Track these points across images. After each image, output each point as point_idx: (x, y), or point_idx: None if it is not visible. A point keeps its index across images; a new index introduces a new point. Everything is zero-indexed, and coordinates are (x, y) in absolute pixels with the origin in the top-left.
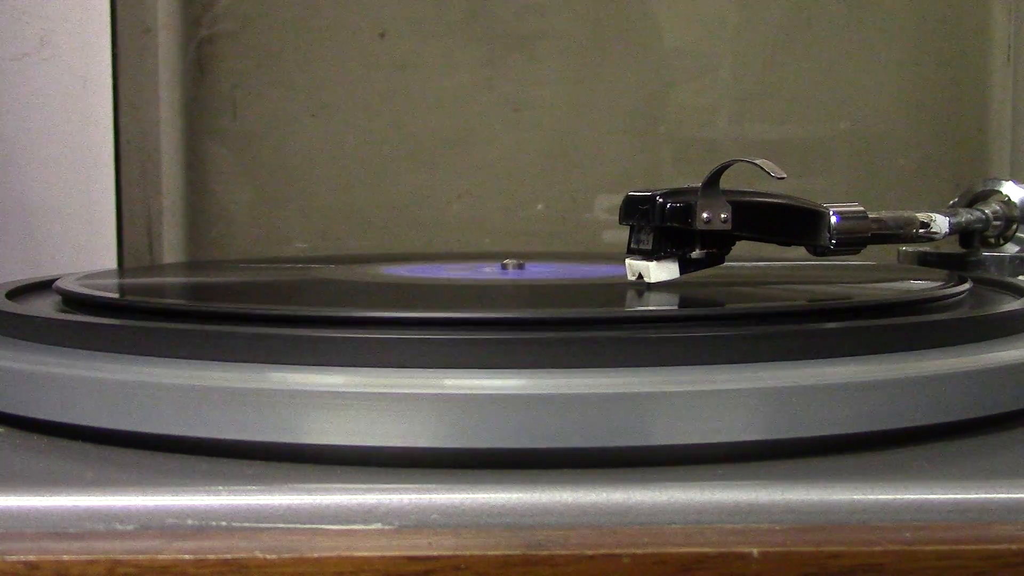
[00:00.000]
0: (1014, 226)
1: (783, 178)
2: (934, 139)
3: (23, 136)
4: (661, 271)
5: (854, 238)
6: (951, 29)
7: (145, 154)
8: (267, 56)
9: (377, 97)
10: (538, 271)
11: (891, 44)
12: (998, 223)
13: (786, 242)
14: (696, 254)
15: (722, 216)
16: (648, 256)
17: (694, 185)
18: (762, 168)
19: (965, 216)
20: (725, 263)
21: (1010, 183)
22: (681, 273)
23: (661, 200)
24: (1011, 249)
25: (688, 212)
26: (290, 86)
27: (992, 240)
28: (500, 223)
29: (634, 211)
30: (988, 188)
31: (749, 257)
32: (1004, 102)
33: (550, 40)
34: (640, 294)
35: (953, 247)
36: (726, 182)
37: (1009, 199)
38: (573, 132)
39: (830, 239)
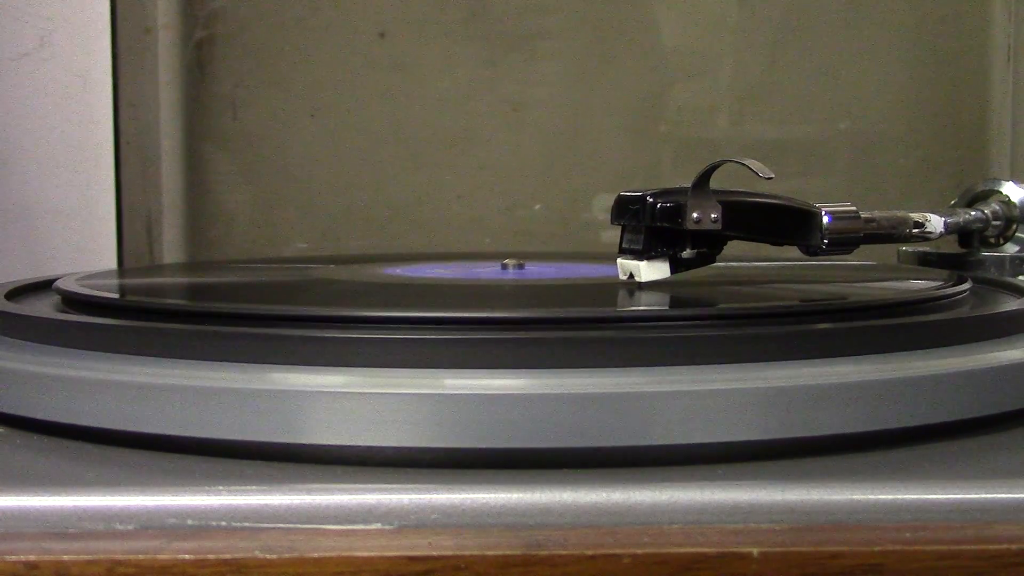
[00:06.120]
0: (1014, 226)
1: (771, 178)
2: (934, 139)
3: (23, 136)
4: (652, 271)
5: (846, 238)
6: (951, 29)
7: (145, 154)
8: (267, 56)
9: (377, 97)
10: (538, 271)
11: (891, 44)
12: (998, 223)
13: (778, 242)
14: (687, 254)
15: (712, 216)
16: (639, 256)
17: (685, 185)
18: (750, 168)
19: (963, 216)
20: (725, 263)
21: (1010, 183)
22: (672, 273)
23: (651, 200)
24: (1011, 249)
25: (678, 212)
26: (290, 86)
27: (992, 240)
28: (500, 223)
29: (625, 211)
30: (988, 188)
31: (749, 257)
32: (1004, 102)
33: (550, 40)
34: (638, 294)
35: (953, 247)
36: (727, 182)
37: (1009, 199)
38: (573, 132)
39: (822, 239)
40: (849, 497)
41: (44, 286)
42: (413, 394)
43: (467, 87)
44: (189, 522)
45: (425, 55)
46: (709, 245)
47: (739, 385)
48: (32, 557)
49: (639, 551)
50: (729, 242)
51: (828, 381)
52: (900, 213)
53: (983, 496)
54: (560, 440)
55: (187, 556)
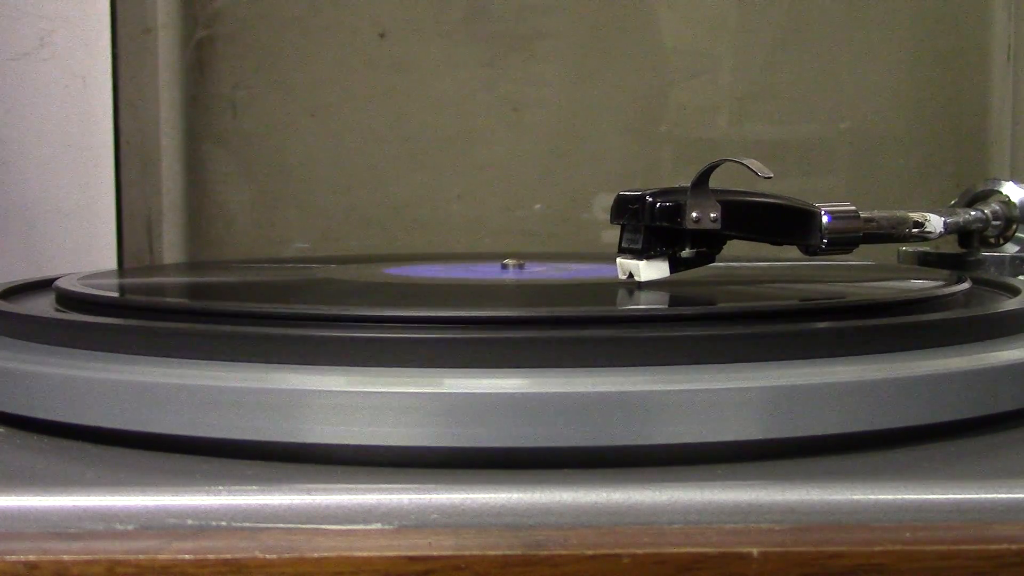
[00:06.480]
0: (1014, 226)
1: (770, 178)
2: (934, 139)
3: (23, 136)
4: (651, 270)
5: (846, 238)
6: (951, 28)
7: (145, 154)
8: (267, 56)
9: (377, 97)
10: (538, 271)
11: (891, 44)
12: (998, 223)
13: (777, 241)
14: (686, 253)
15: (711, 216)
16: (638, 255)
17: (684, 185)
18: (749, 168)
19: (963, 216)
20: (725, 263)
21: (1010, 183)
22: (671, 272)
23: (651, 200)
24: (1011, 249)
25: (678, 211)
26: (290, 86)
27: (992, 240)
28: (500, 223)
29: (625, 211)
30: (988, 188)
31: (749, 256)
32: (1004, 102)
33: (550, 40)
34: (638, 294)
35: (953, 247)
36: (727, 182)
37: (1009, 199)
38: (573, 132)
39: (821, 239)
40: (849, 497)
41: (43, 286)
42: (413, 394)
43: (467, 87)
44: (189, 522)
45: (425, 55)
46: (708, 245)
47: (739, 385)
48: (32, 557)
49: (639, 551)
50: (729, 242)
51: (828, 381)
52: (900, 213)
53: (983, 496)
54: (560, 440)
55: (187, 556)
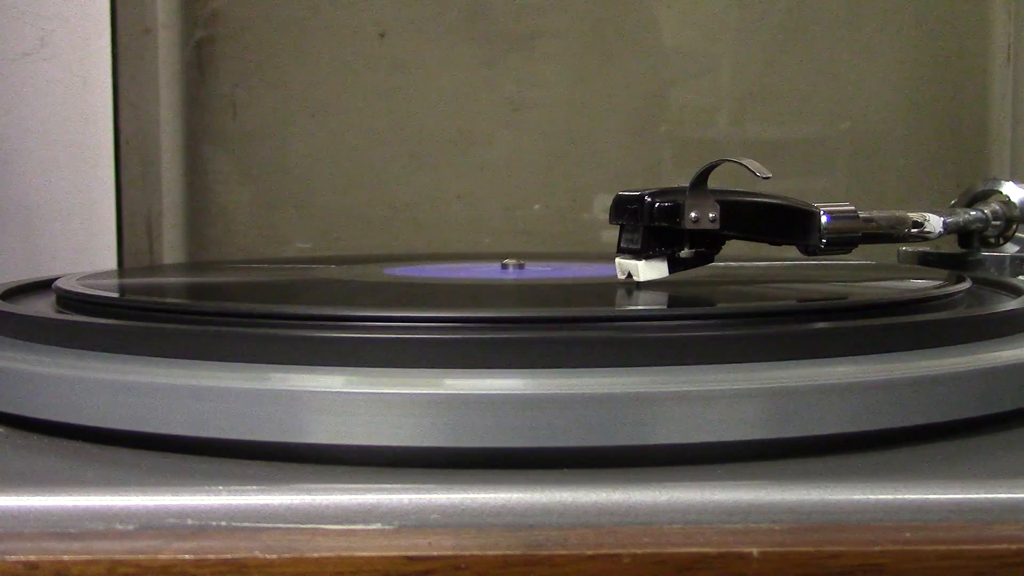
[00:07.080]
0: (1014, 226)
1: (768, 178)
2: (934, 139)
3: (23, 136)
4: (650, 270)
5: (845, 238)
6: (951, 29)
7: (145, 154)
8: (267, 56)
9: (377, 97)
10: (538, 271)
11: (891, 44)
12: (998, 223)
13: (777, 241)
14: (685, 253)
15: (710, 216)
16: (637, 255)
17: (683, 185)
18: (748, 168)
19: (963, 216)
20: (725, 263)
21: (1010, 183)
22: (670, 272)
23: (649, 200)
24: (1011, 249)
25: (676, 212)
26: (290, 86)
27: (992, 240)
28: (500, 223)
29: (623, 211)
30: (988, 188)
31: (749, 256)
32: (1004, 102)
33: (550, 40)
34: (637, 294)
35: (953, 247)
36: (726, 182)
37: (1009, 199)
38: (573, 132)
39: (821, 238)
40: (849, 497)
41: (43, 286)
42: (413, 394)
43: (467, 87)
44: (189, 522)
45: (425, 55)
46: (707, 245)
47: (739, 385)
48: (32, 557)
49: (639, 551)
50: (728, 242)
51: (828, 381)
52: (899, 213)
53: (983, 496)
54: (560, 440)
55: (187, 556)
